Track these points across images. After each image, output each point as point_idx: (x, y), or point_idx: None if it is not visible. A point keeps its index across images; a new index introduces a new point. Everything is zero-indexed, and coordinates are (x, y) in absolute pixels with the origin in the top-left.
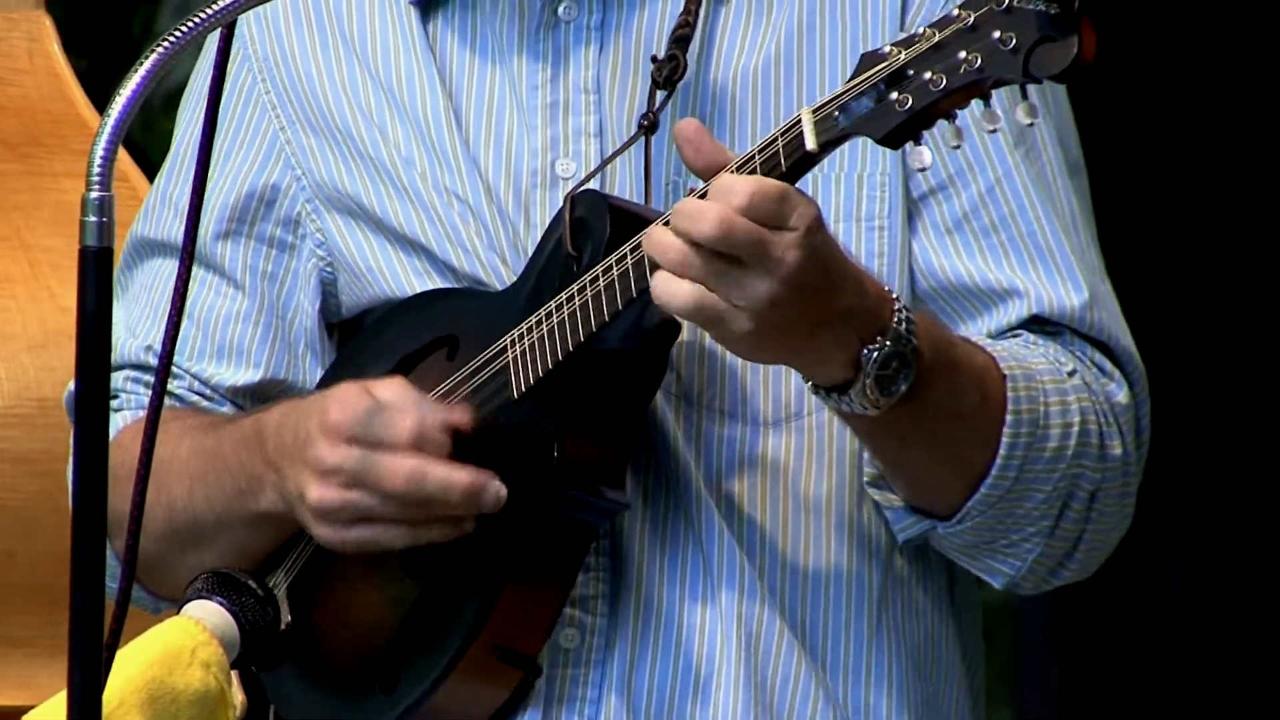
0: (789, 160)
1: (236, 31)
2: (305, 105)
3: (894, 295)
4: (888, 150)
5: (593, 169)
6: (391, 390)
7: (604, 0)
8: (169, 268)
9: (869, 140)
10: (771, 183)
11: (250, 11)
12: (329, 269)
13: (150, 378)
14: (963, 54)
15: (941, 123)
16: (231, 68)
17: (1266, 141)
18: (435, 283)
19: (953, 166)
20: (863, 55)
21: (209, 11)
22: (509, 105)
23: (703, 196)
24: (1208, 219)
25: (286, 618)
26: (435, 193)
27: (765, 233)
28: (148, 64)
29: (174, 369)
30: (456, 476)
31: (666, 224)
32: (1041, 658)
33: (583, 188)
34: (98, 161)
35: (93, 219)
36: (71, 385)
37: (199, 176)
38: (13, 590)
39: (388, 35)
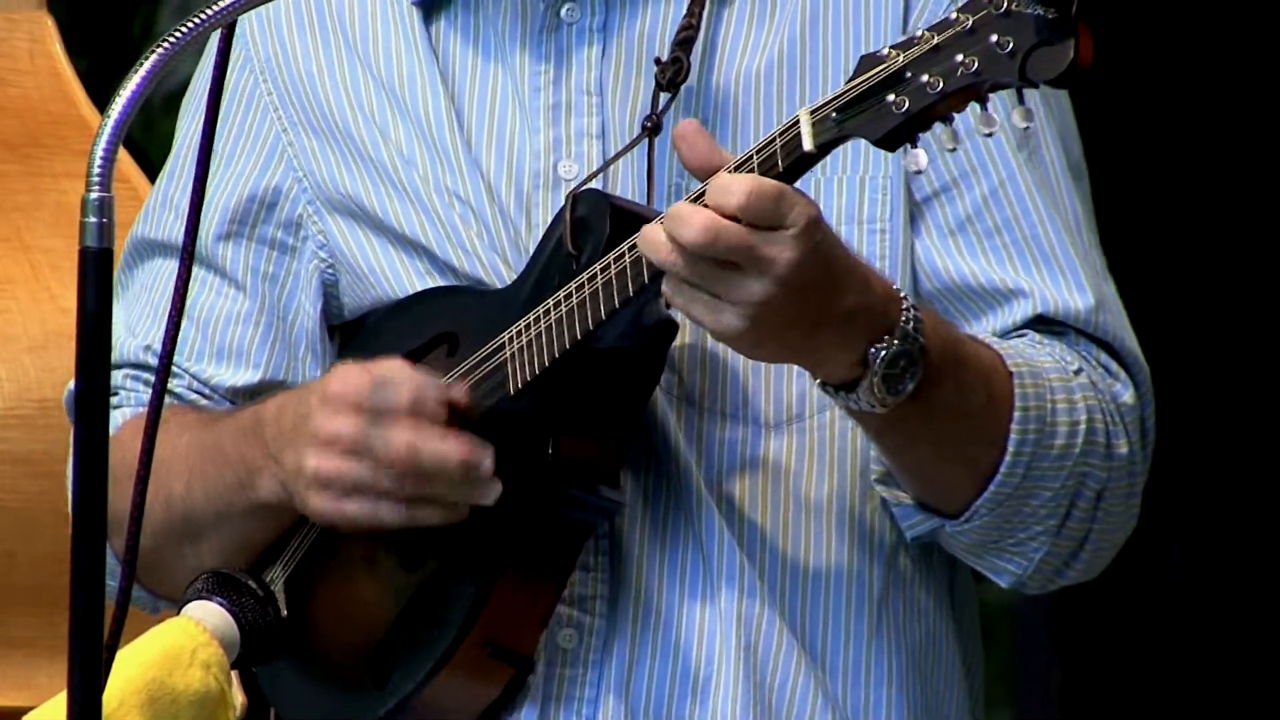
0: (786, 161)
1: (238, 33)
2: (307, 107)
3: (901, 294)
4: (889, 153)
5: (595, 169)
6: (390, 366)
7: (606, 2)
8: (169, 268)
9: (869, 142)
10: (769, 182)
11: (252, 13)
12: (330, 271)
13: (150, 376)
14: (960, 57)
15: (938, 125)
16: (233, 69)
17: (1267, 142)
18: (436, 283)
19: (956, 169)
20: (862, 57)
21: (209, 12)
22: (511, 106)
23: (700, 196)
24: (1208, 220)
25: (283, 611)
26: (436, 194)
27: (752, 237)
28: (148, 64)
29: (174, 369)
30: (453, 447)
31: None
32: (1042, 657)
33: (585, 187)
34: (98, 162)
35: (93, 220)
36: (71, 385)
37: (199, 178)
38: (13, 591)
39: (390, 36)
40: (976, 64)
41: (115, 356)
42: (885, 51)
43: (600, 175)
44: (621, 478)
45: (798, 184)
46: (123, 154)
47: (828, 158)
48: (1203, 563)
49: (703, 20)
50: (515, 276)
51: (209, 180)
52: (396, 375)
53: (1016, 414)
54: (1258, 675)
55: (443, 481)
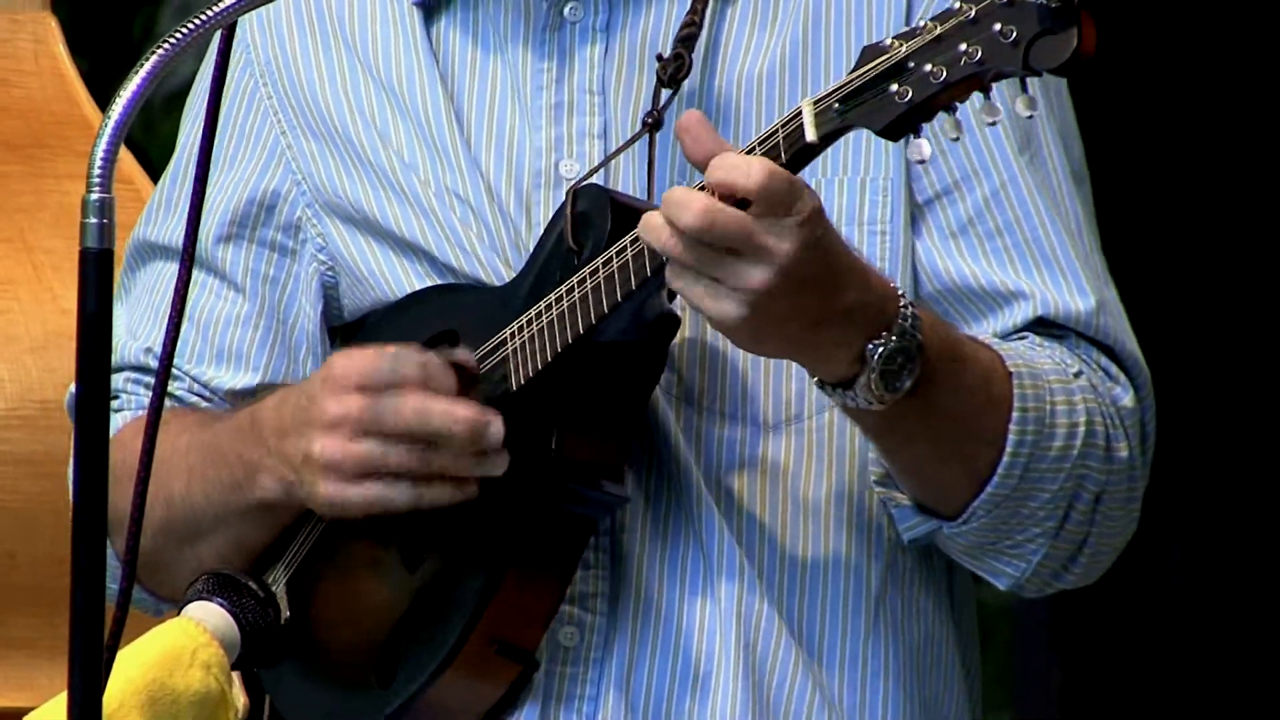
0: (789, 152)
1: (239, 35)
2: (306, 110)
3: (899, 291)
4: (891, 155)
5: (596, 165)
6: (393, 346)
7: (610, 1)
8: (170, 270)
9: (873, 144)
10: (776, 168)
11: (252, 16)
12: (330, 273)
13: (150, 379)
14: (963, 46)
15: (941, 115)
16: (234, 72)
17: (1267, 143)
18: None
19: (958, 171)
20: (864, 48)
21: (210, 13)
22: (512, 105)
23: (703, 188)
24: (1208, 220)
25: (285, 613)
26: (436, 196)
27: (751, 223)
28: (148, 65)
29: (174, 371)
30: (460, 410)
31: None
32: (1042, 658)
33: (585, 183)
34: (98, 163)
35: (93, 221)
36: (73, 387)
37: (199, 180)
38: (13, 592)
39: (390, 37)
40: (980, 53)
41: (116, 359)
42: (888, 42)
43: (601, 171)
44: (625, 473)
45: None
46: (125, 155)
47: (828, 159)
48: (1203, 563)
49: (705, 18)
50: (515, 274)
51: (209, 183)
52: (400, 349)
53: (1015, 414)
54: (1258, 675)
55: (452, 449)
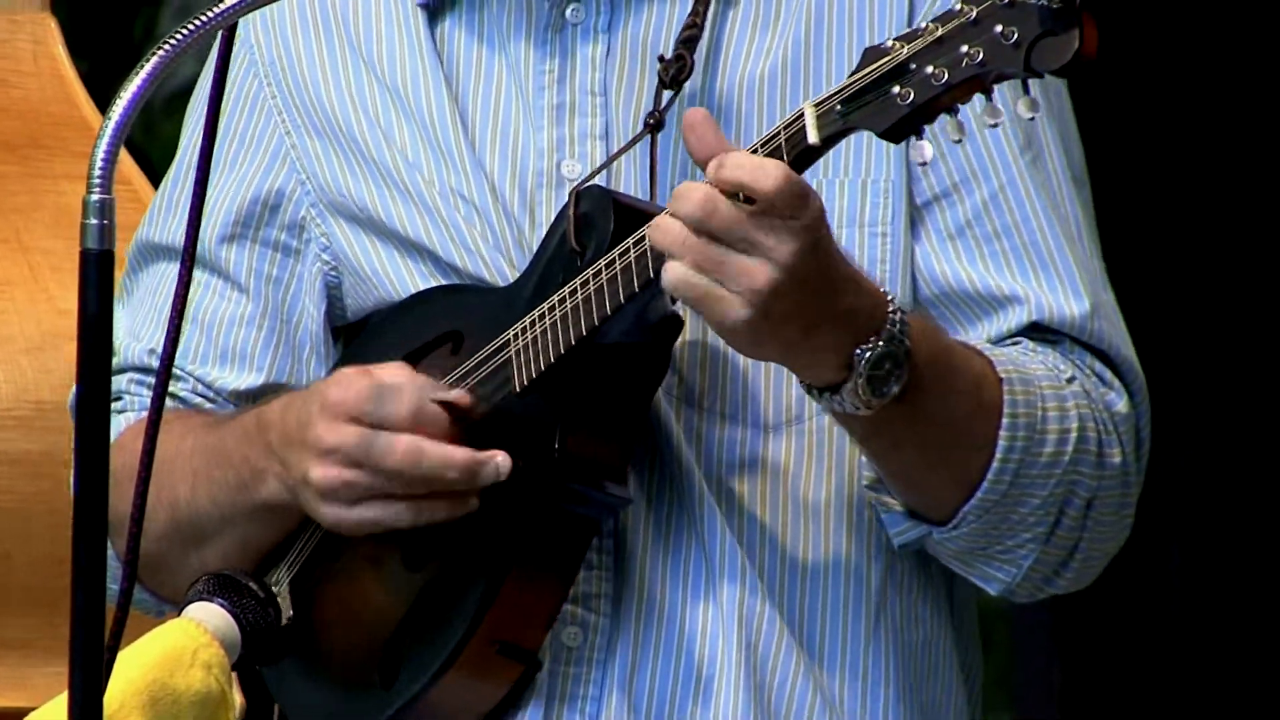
0: (791, 154)
1: (242, 36)
2: (310, 110)
3: (890, 297)
4: (892, 156)
5: (598, 167)
6: (391, 371)
7: (611, 2)
8: (172, 271)
9: (873, 146)
10: (781, 168)
11: (256, 15)
12: (334, 273)
13: (152, 379)
14: (965, 48)
15: (943, 117)
16: (237, 72)
17: (1266, 147)
18: (439, 284)
19: (957, 174)
20: (866, 50)
21: (210, 14)
22: (515, 106)
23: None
24: (1208, 221)
25: (288, 613)
26: (440, 195)
27: (750, 217)
28: (149, 66)
29: (177, 371)
30: (455, 454)
31: None
32: (1042, 659)
33: (588, 184)
34: (98, 164)
35: (93, 221)
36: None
37: (200, 181)
38: (9, 592)
39: (394, 37)
40: (981, 55)
41: (119, 360)
42: (889, 43)
43: (603, 172)
44: (627, 474)
45: None
46: (124, 156)
47: (829, 160)
48: (1202, 564)
49: (707, 20)
50: (518, 275)
51: (212, 183)
52: (397, 382)
53: (1005, 420)
54: (1258, 675)
55: (445, 485)
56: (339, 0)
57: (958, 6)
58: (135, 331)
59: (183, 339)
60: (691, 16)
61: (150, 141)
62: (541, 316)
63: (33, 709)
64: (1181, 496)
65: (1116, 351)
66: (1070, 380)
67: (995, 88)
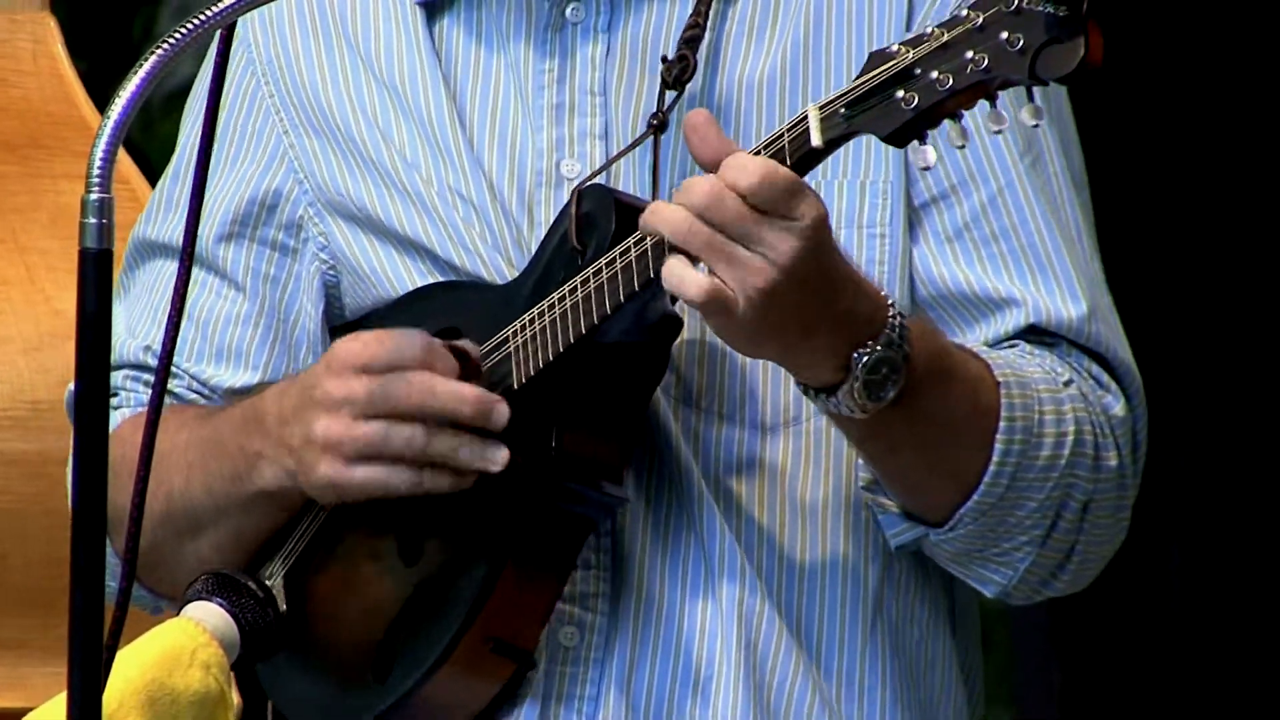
0: (794, 156)
1: (241, 35)
2: (309, 109)
3: (890, 301)
4: (891, 158)
5: (599, 167)
6: (399, 330)
7: (611, 2)
8: (169, 269)
9: (873, 147)
10: (785, 170)
11: (254, 15)
12: (332, 272)
13: (150, 377)
14: (970, 54)
15: (947, 122)
16: (235, 71)
17: (1265, 150)
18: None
19: (955, 175)
20: (871, 54)
21: (209, 13)
22: (514, 105)
23: None
24: (1209, 222)
25: (282, 606)
26: (439, 194)
27: (753, 214)
28: (147, 66)
29: (173, 369)
30: (467, 390)
31: None
32: (1042, 658)
33: (590, 183)
34: (97, 163)
35: (92, 220)
36: (72, 386)
37: (198, 179)
38: (6, 592)
39: (392, 36)
40: (986, 61)
41: (115, 357)
42: (894, 48)
43: (605, 173)
44: (625, 475)
45: None
46: (122, 155)
47: (829, 161)
48: (1202, 564)
49: (708, 20)
50: (517, 275)
51: (210, 182)
52: (406, 334)
53: (1002, 424)
54: (1258, 675)
55: (451, 434)
56: (337, 0)
57: (964, 12)
58: (132, 328)
59: (179, 337)
60: (694, 17)
61: (148, 141)
62: (541, 314)
63: (30, 709)
64: (1181, 497)
65: (1114, 354)
66: (1067, 383)
67: (999, 94)
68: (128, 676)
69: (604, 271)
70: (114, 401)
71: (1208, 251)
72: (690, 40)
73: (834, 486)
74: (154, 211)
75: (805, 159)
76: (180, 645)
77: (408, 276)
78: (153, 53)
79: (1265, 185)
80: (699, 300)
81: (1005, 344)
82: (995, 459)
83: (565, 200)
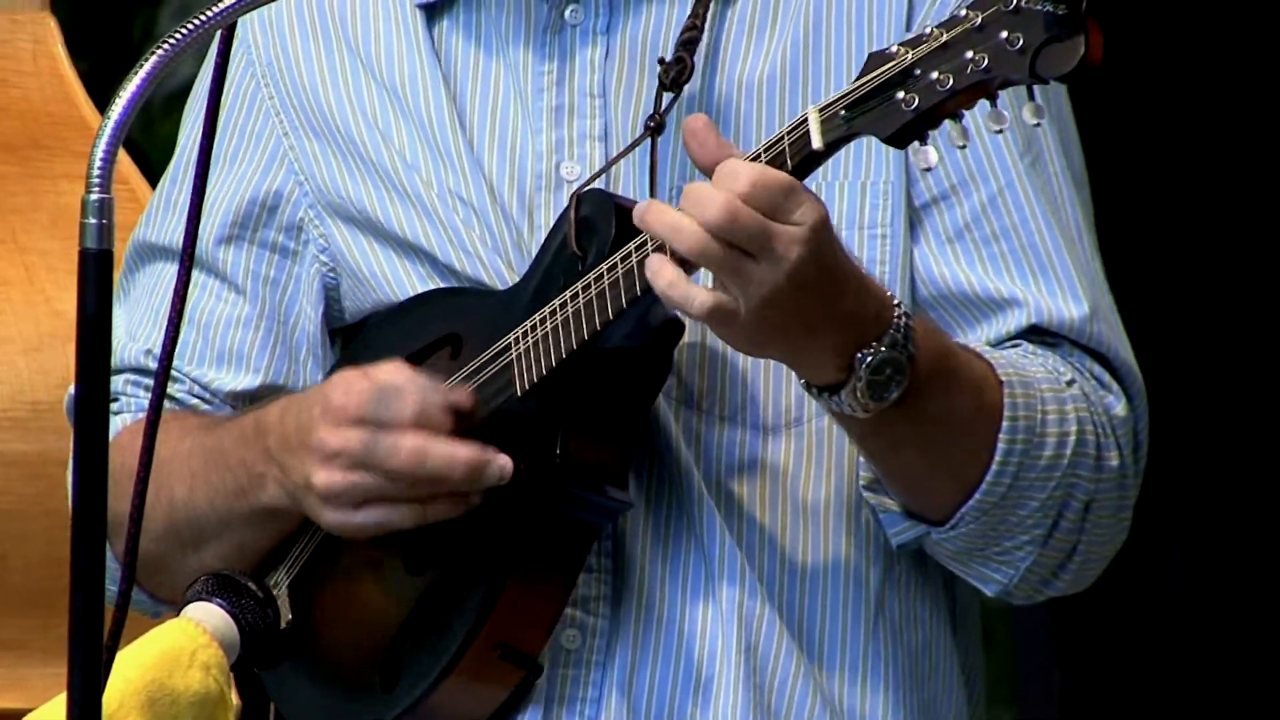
0: (795, 159)
1: (240, 37)
2: (308, 110)
3: (895, 301)
4: (892, 158)
5: (598, 170)
6: (391, 372)
7: (610, 4)
8: (170, 272)
9: (873, 148)
10: (777, 173)
11: (253, 16)
12: (332, 274)
13: (150, 381)
14: (970, 54)
15: (947, 123)
16: (235, 72)
17: (1265, 149)
18: (438, 286)
19: (956, 175)
20: (870, 55)
21: (209, 14)
22: (513, 108)
23: None
24: (1209, 222)
25: (288, 615)
26: (439, 197)
27: (769, 223)
28: (148, 66)
29: (174, 373)
30: (460, 452)
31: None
32: (1042, 658)
33: (589, 188)
34: (98, 164)
35: (92, 221)
36: (73, 389)
37: (199, 180)
38: (6, 593)
39: (392, 39)
40: (986, 61)
41: (116, 361)
42: (894, 49)
43: (603, 175)
44: (628, 479)
45: None
46: (122, 155)
47: (829, 163)
48: (1203, 564)
49: (706, 21)
50: (517, 278)
51: (210, 184)
52: (399, 384)
53: (1005, 424)
54: (1258, 675)
55: (450, 484)
56: (337, 1)
57: (963, 12)
58: (132, 332)
59: (179, 340)
60: (691, 18)
61: (149, 141)
62: (543, 320)
63: (30, 710)
64: (1181, 496)
65: (1115, 354)
66: (1070, 383)
67: (1000, 94)
68: (128, 677)
69: (605, 277)
70: (114, 406)
71: (1208, 251)
72: (688, 42)
73: (835, 488)
74: (153, 214)
75: (806, 161)
76: (180, 646)
77: (407, 279)
78: (153, 53)
79: (1265, 185)
80: (704, 316)
81: (1007, 344)
82: (998, 458)
83: (565, 202)
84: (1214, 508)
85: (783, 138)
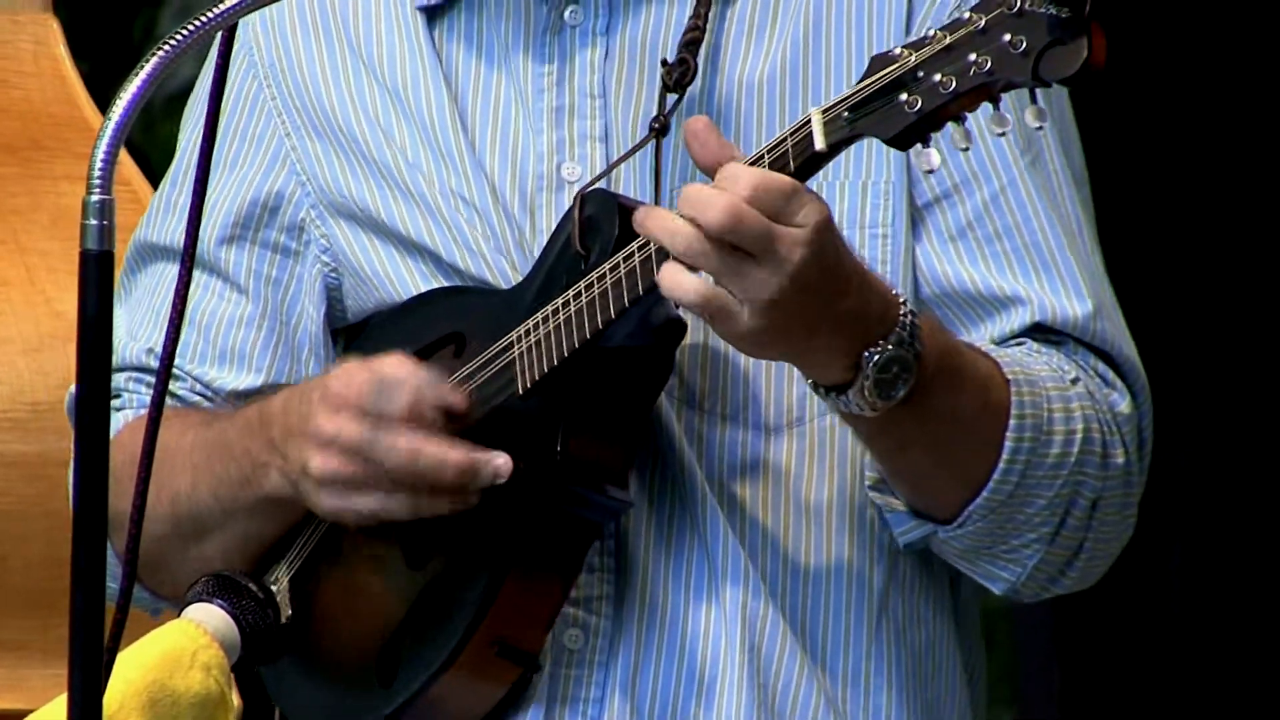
0: (798, 160)
1: (241, 38)
2: (310, 111)
3: (901, 299)
4: (893, 158)
5: (599, 172)
6: (393, 365)
7: (610, 4)
8: (171, 272)
9: (875, 148)
10: (778, 175)
11: (255, 17)
12: (334, 274)
13: (151, 379)
14: (973, 56)
15: (950, 125)
16: (236, 73)
17: (1266, 147)
18: (441, 285)
19: (957, 175)
20: (873, 57)
21: (210, 14)
22: (514, 108)
23: None
24: (1209, 220)
25: (287, 611)
26: (441, 196)
27: (773, 225)
28: (148, 67)
29: (175, 371)
30: (451, 454)
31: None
32: (1043, 658)
33: (593, 187)
34: (98, 165)
35: (93, 222)
36: (74, 389)
37: (200, 181)
38: (6, 594)
39: (393, 40)
40: (989, 63)
41: (117, 360)
42: (897, 51)
43: (606, 176)
44: (629, 478)
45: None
46: (124, 157)
47: (830, 163)
48: (1203, 564)
49: (707, 21)
50: (521, 277)
51: (211, 184)
52: (397, 377)
53: (1012, 421)
54: (1258, 675)
55: (442, 484)
56: (338, 2)
57: (966, 15)
58: (133, 331)
59: (181, 339)
60: (693, 19)
61: (150, 142)
62: (545, 319)
63: (30, 711)
64: (1182, 496)
65: (1119, 352)
66: (1075, 381)
67: (1002, 96)
68: (128, 678)
69: (608, 276)
70: (115, 404)
71: (1208, 251)
72: (690, 43)
73: (838, 487)
74: (154, 215)
75: (809, 163)
76: (181, 647)
77: (410, 279)
78: (153, 55)
79: (1265, 185)
80: (697, 306)
81: (1011, 342)
82: (1005, 456)
83: (566, 203)
84: (1214, 508)
85: (785, 139)
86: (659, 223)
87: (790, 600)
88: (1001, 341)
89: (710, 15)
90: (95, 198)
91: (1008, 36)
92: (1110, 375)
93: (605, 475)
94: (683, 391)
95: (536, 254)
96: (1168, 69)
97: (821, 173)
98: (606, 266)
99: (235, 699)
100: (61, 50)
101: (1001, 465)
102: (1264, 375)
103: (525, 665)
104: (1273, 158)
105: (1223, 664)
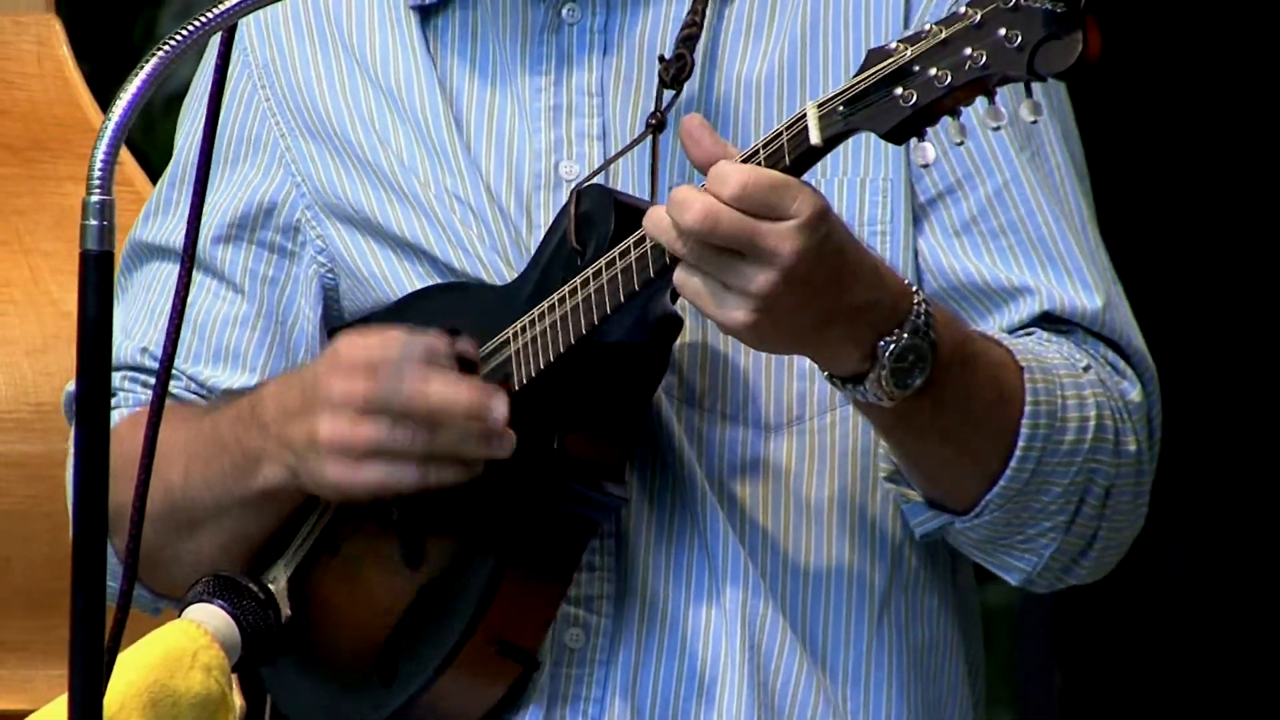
0: (793, 154)
1: (237, 39)
2: (305, 112)
3: (914, 288)
4: (891, 155)
5: (598, 167)
6: (395, 332)
7: (607, 3)
8: (167, 271)
9: (873, 145)
10: (767, 171)
11: (250, 18)
12: (330, 275)
13: (147, 378)
14: (968, 50)
15: (945, 119)
16: (231, 75)
17: (1267, 141)
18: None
19: (960, 170)
20: (869, 51)
21: (210, 15)
22: (511, 107)
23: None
24: (1209, 219)
25: (286, 611)
26: (436, 197)
27: (753, 223)
28: (148, 68)
29: (172, 370)
30: (462, 390)
31: None
32: (1043, 658)
33: (589, 183)
34: (98, 165)
35: (93, 223)
36: (70, 387)
37: (199, 181)
38: (8, 594)
39: (387, 40)
40: (985, 57)
41: (113, 359)
42: (893, 45)
43: (603, 172)
44: (626, 474)
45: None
46: (126, 157)
47: (828, 160)
48: (1203, 564)
49: (705, 19)
50: (518, 274)
51: (208, 186)
52: (404, 333)
53: (1027, 409)
54: (1258, 676)
55: (454, 429)
56: (332, 3)
57: (962, 9)
58: (128, 330)
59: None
60: (691, 15)
61: (150, 142)
62: (541, 315)
63: (32, 711)
64: (1182, 496)
65: (1128, 341)
66: (1086, 369)
67: (998, 90)
68: (129, 679)
69: (604, 272)
70: (112, 402)
71: (1208, 250)
72: (688, 39)
73: (838, 486)
74: (151, 214)
75: (804, 157)
76: (181, 647)
77: (406, 279)
78: (153, 55)
79: (1265, 182)
80: (690, 298)
81: (1021, 332)
82: (1021, 444)
83: (563, 202)
84: (1214, 508)
85: (781, 133)
86: (653, 222)
87: (790, 599)
88: (1011, 332)
89: (708, 12)
90: (95, 198)
91: (1003, 31)
92: (1120, 364)
93: (602, 471)
94: (682, 390)
95: (533, 252)
96: (1164, 62)
97: (819, 169)
98: (602, 262)
99: (236, 699)
100: (64, 51)
101: (1018, 453)
102: (1263, 375)
103: (525, 664)
104: (1273, 152)
105: (1223, 664)
